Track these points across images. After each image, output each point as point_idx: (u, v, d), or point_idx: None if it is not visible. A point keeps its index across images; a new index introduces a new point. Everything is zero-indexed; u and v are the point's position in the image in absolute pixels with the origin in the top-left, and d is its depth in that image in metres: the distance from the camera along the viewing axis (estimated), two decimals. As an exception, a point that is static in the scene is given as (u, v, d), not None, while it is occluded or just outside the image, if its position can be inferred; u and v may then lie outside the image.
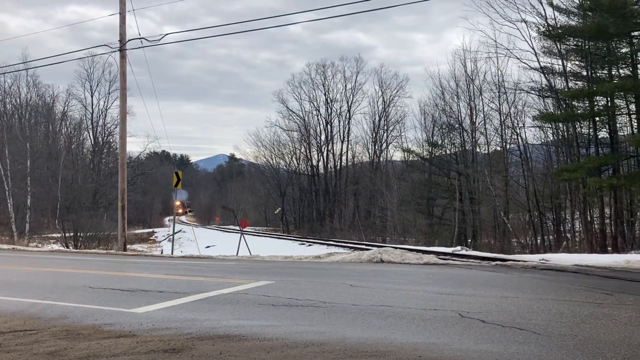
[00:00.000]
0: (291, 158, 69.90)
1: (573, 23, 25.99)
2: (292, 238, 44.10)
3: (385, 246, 21.37)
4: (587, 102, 25.42)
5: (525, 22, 27.23)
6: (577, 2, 25.16)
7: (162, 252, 30.07)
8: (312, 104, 66.81)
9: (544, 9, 26.67)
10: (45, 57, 48.13)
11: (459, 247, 19.79)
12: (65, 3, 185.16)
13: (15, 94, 58.52)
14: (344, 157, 65.94)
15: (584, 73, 26.35)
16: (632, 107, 24.72)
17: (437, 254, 15.58)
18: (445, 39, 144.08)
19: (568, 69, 26.65)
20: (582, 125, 27.15)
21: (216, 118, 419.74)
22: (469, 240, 35.32)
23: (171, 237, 30.35)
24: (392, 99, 61.90)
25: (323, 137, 67.20)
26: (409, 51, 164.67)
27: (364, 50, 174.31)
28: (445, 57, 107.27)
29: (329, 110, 66.29)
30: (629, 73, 24.15)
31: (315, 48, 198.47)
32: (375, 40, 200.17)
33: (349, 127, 65.75)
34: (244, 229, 27.17)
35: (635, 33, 22.94)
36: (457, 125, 41.15)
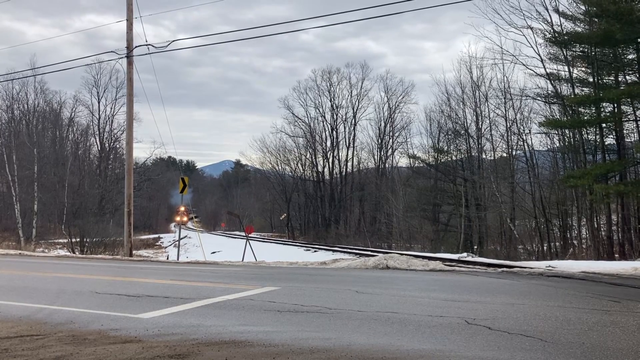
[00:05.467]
0: (297, 164, 70.09)
1: (579, 29, 25.95)
2: (297, 244, 44.11)
3: (391, 252, 21.35)
4: (594, 108, 25.33)
5: (531, 28, 27.21)
6: (584, 8, 25.12)
7: (168, 258, 30.14)
8: (317, 110, 67.04)
9: (550, 16, 26.67)
10: (52, 64, 48.58)
11: (465, 254, 19.72)
12: (82, 12, 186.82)
13: (23, 100, 59.05)
14: (349, 163, 65.99)
15: (591, 79, 26.26)
16: (639, 113, 24.64)
17: (443, 260, 15.53)
18: (455, 47, 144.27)
19: (574, 75, 26.57)
20: (588, 131, 27.04)
21: (225, 125, 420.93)
22: (475, 247, 35.17)
23: (177, 242, 30.39)
24: (398, 105, 61.98)
25: (328, 143, 67.36)
26: (419, 59, 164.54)
27: (374, 58, 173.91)
28: (451, 64, 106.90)
29: (335, 117, 66.40)
30: (636, 79, 24.07)
31: (327, 56, 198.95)
32: (386, 48, 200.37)
33: (354, 133, 65.81)
34: (249, 235, 27.16)
35: (642, 39, 22.88)
36: (462, 132, 41.14)
